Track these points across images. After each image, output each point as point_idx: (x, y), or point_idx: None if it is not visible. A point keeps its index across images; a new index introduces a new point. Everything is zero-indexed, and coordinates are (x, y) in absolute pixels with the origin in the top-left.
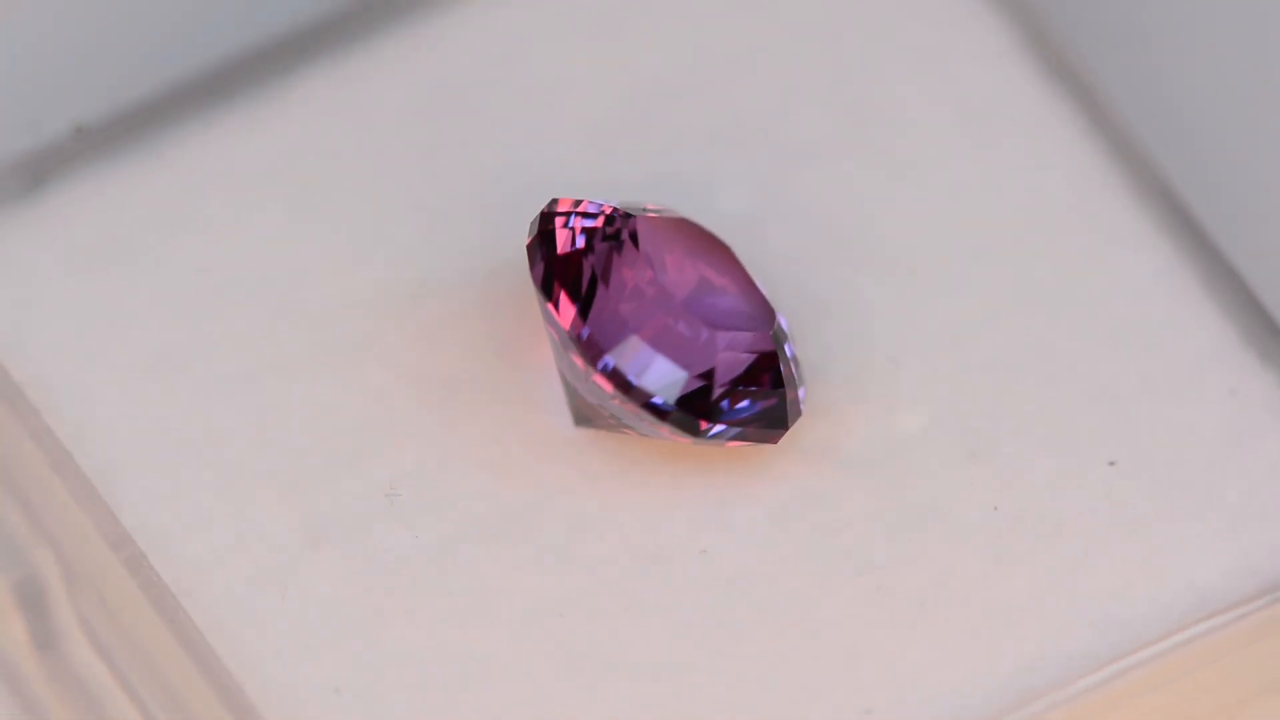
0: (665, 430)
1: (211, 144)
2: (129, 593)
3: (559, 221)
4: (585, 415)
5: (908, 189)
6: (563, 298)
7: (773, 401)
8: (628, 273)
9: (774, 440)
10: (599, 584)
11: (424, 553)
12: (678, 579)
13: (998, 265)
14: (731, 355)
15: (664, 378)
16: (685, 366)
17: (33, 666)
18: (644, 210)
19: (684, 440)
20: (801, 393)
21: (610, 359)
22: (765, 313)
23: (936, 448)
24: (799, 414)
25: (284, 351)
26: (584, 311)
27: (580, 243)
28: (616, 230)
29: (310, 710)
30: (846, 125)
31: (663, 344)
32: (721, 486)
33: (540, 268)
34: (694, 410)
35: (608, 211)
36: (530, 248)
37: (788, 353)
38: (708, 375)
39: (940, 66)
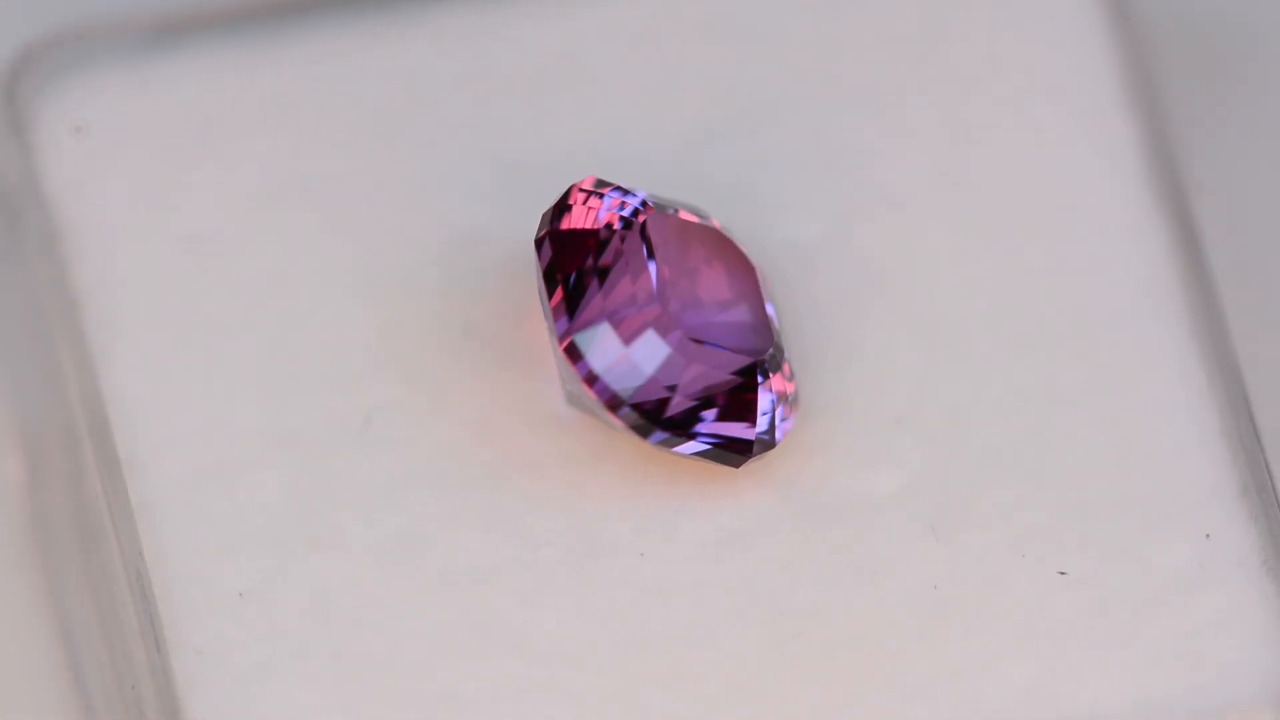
0: (621, 427)
1: (309, 55)
2: (80, 455)
3: (578, 198)
4: (575, 395)
5: (980, 258)
6: (558, 273)
7: (739, 427)
8: (628, 263)
9: (734, 465)
10: (527, 559)
11: (375, 489)
12: (605, 574)
13: (1035, 355)
14: (705, 371)
15: (625, 376)
16: (651, 369)
17: None
18: (675, 210)
19: (641, 442)
20: (787, 425)
21: (580, 342)
22: (762, 339)
23: (901, 515)
24: (770, 446)
25: (310, 265)
26: (574, 292)
27: (589, 222)
28: (629, 220)
29: (205, 606)
30: (935, 182)
31: (637, 342)
32: (684, 496)
33: (546, 240)
34: (651, 417)
35: (632, 202)
36: (543, 218)
37: (774, 383)
38: (673, 386)
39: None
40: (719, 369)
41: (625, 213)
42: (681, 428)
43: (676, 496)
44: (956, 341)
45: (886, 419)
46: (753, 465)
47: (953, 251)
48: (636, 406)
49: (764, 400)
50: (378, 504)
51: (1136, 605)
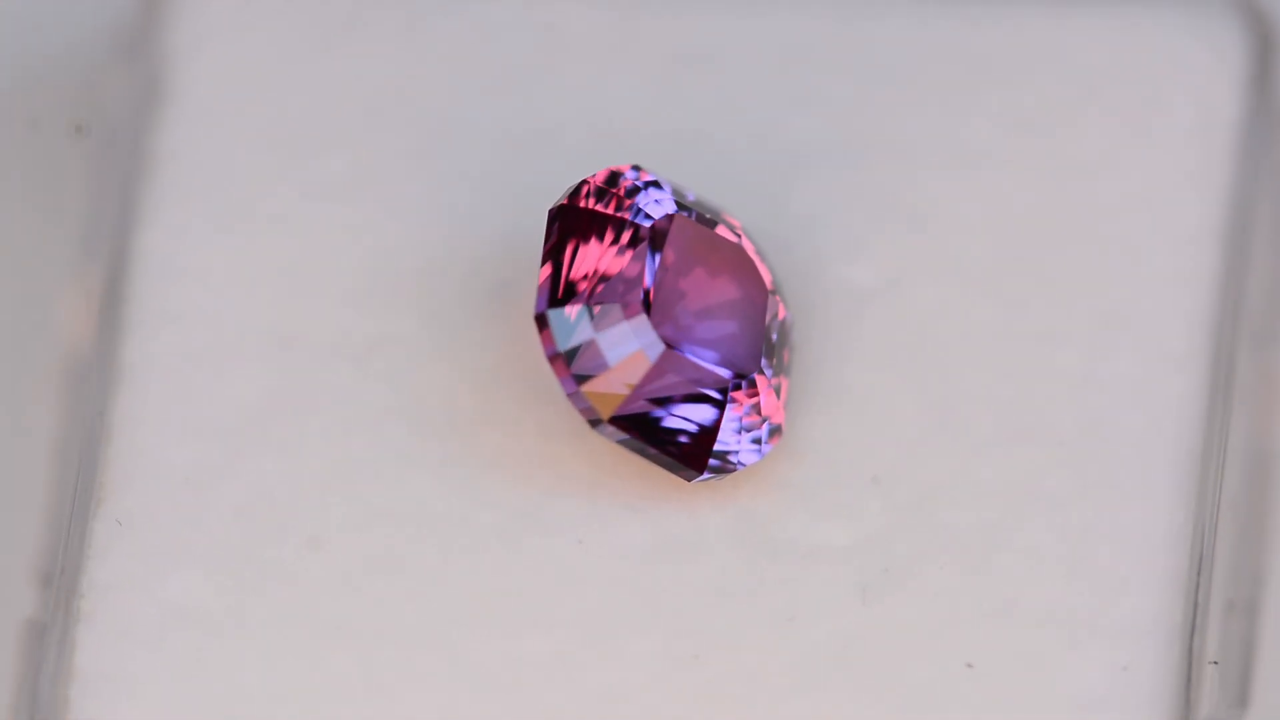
0: (573, 403)
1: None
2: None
3: (607, 178)
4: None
5: (1013, 346)
6: (558, 242)
7: (695, 441)
8: (628, 256)
9: (686, 477)
10: (468, 516)
11: (349, 412)
12: (535, 548)
13: (1028, 453)
14: (671, 378)
15: (588, 362)
16: (614, 362)
17: None
18: (707, 216)
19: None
20: (761, 451)
21: (552, 319)
22: (746, 361)
23: (839, 569)
24: (726, 468)
25: (380, 183)
26: (565, 270)
27: (609, 206)
28: (648, 214)
29: (143, 480)
30: (995, 258)
31: (609, 332)
32: (641, 496)
33: (558, 212)
34: (604, 409)
35: (660, 197)
36: (569, 190)
37: (748, 406)
38: (633, 385)
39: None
40: (685, 378)
41: (646, 204)
42: (634, 428)
43: (634, 495)
44: (960, 421)
45: (864, 475)
46: (719, 485)
47: (988, 331)
48: (593, 394)
49: (729, 422)
50: (346, 427)
51: (1029, 715)
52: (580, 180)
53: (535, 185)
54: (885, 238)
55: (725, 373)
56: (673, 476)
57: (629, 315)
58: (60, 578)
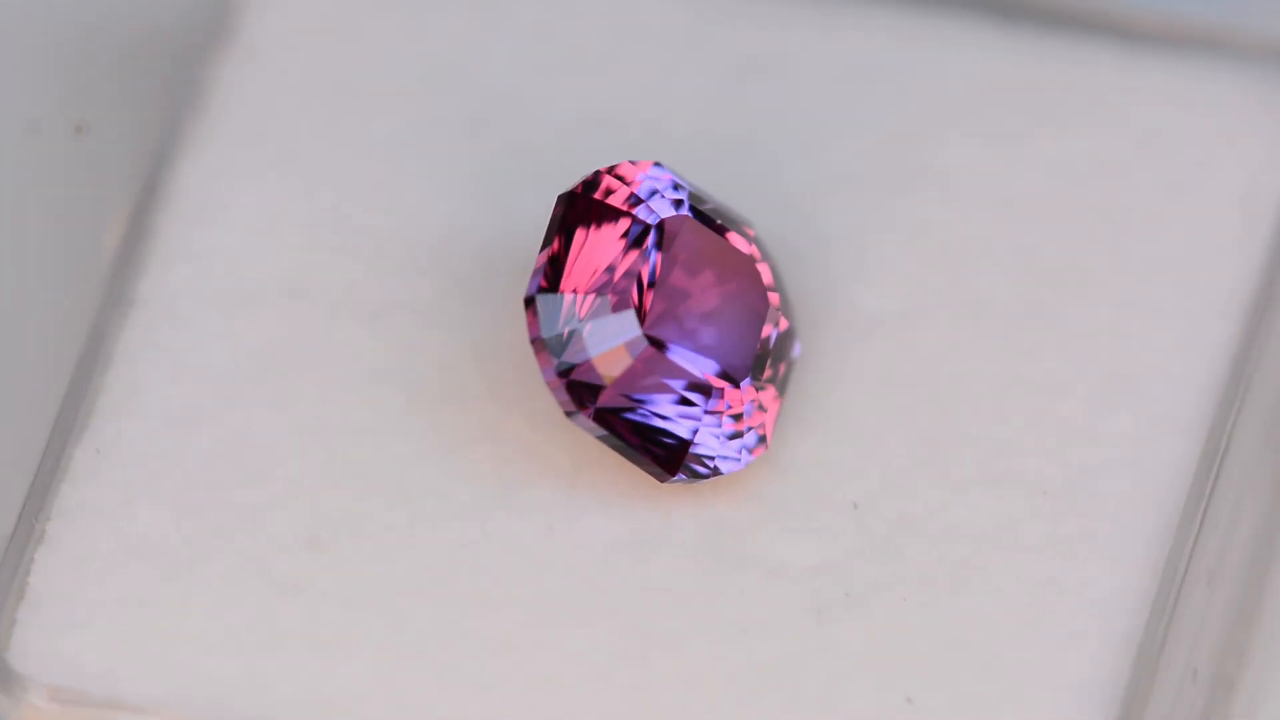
0: (551, 391)
1: None
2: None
3: (627, 172)
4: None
5: (1016, 394)
6: (562, 228)
7: (670, 444)
8: (630, 250)
9: (658, 478)
10: (443, 488)
11: (345, 368)
12: (503, 527)
13: (1010, 499)
14: (649, 376)
15: (570, 350)
16: (594, 353)
17: None
18: (720, 223)
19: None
20: (742, 460)
21: (540, 303)
22: (738, 370)
23: (799, 589)
24: (707, 476)
25: (397, 148)
26: (562, 256)
27: (619, 200)
28: (654, 210)
29: (129, 415)
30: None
31: (594, 323)
32: (619, 492)
33: (564, 199)
34: (579, 398)
35: (679, 198)
36: (584, 179)
37: (726, 415)
38: (611, 377)
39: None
40: (667, 379)
41: (657, 202)
42: (609, 423)
43: (611, 489)
44: (948, 458)
45: (843, 499)
46: (697, 489)
47: (992, 373)
48: (572, 385)
49: (708, 427)
50: (339, 386)
51: None
52: (596, 170)
53: (577, 171)
54: (908, 268)
55: (709, 378)
56: (652, 478)
57: (616, 309)
58: (30, 498)
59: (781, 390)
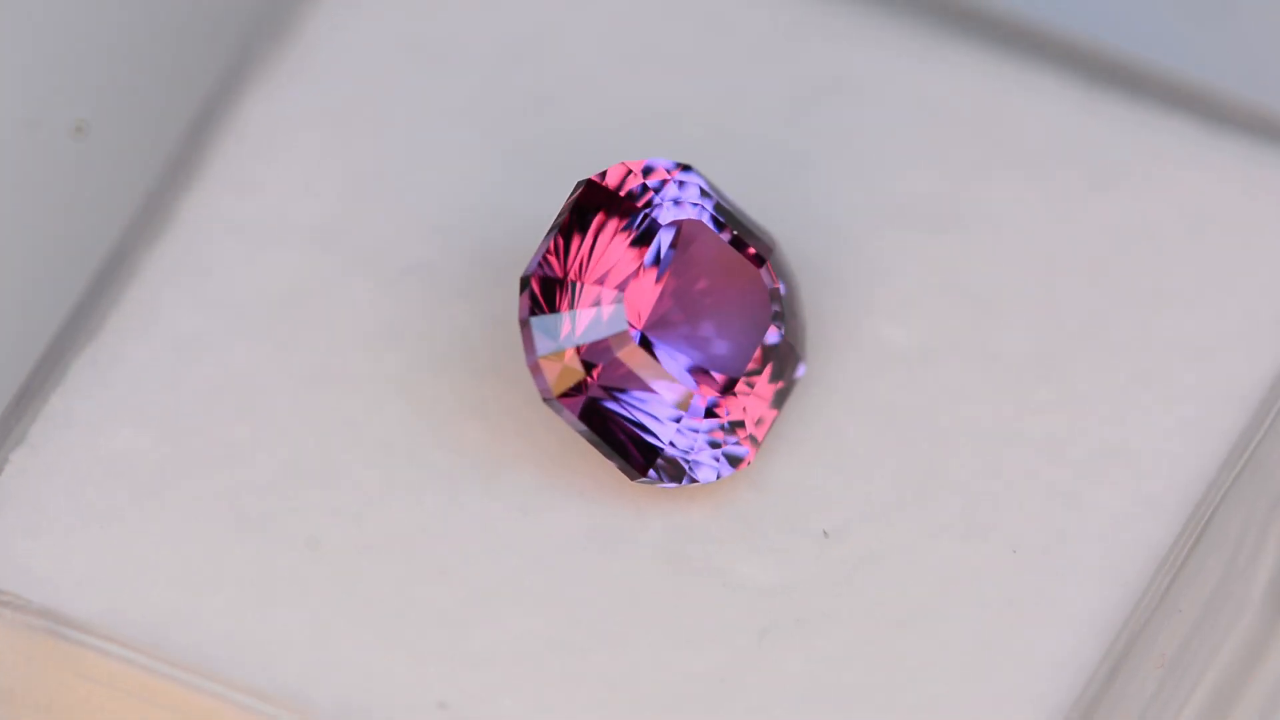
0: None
1: None
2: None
3: (640, 165)
4: None
5: (1013, 453)
6: (571, 216)
7: (642, 445)
8: (635, 246)
9: (629, 475)
10: (419, 457)
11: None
12: (468, 505)
13: (981, 554)
14: (634, 375)
15: (547, 324)
16: (577, 341)
17: None
18: (753, 243)
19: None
20: (718, 470)
21: (533, 278)
22: (725, 381)
23: (749, 608)
24: (678, 480)
25: (463, 113)
26: (565, 241)
27: (624, 192)
28: (666, 208)
29: (142, 337)
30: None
31: (583, 311)
32: (595, 483)
33: (578, 188)
34: (567, 390)
35: (699, 203)
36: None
37: (706, 422)
38: (591, 366)
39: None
40: (647, 376)
41: (672, 203)
42: (583, 414)
43: (590, 482)
44: (929, 501)
45: (816, 527)
46: (674, 494)
47: (992, 423)
48: (549, 369)
49: (684, 432)
50: (346, 340)
51: None
52: (622, 162)
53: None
54: (934, 306)
55: (695, 384)
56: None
57: (607, 301)
58: (19, 400)
59: (778, 407)
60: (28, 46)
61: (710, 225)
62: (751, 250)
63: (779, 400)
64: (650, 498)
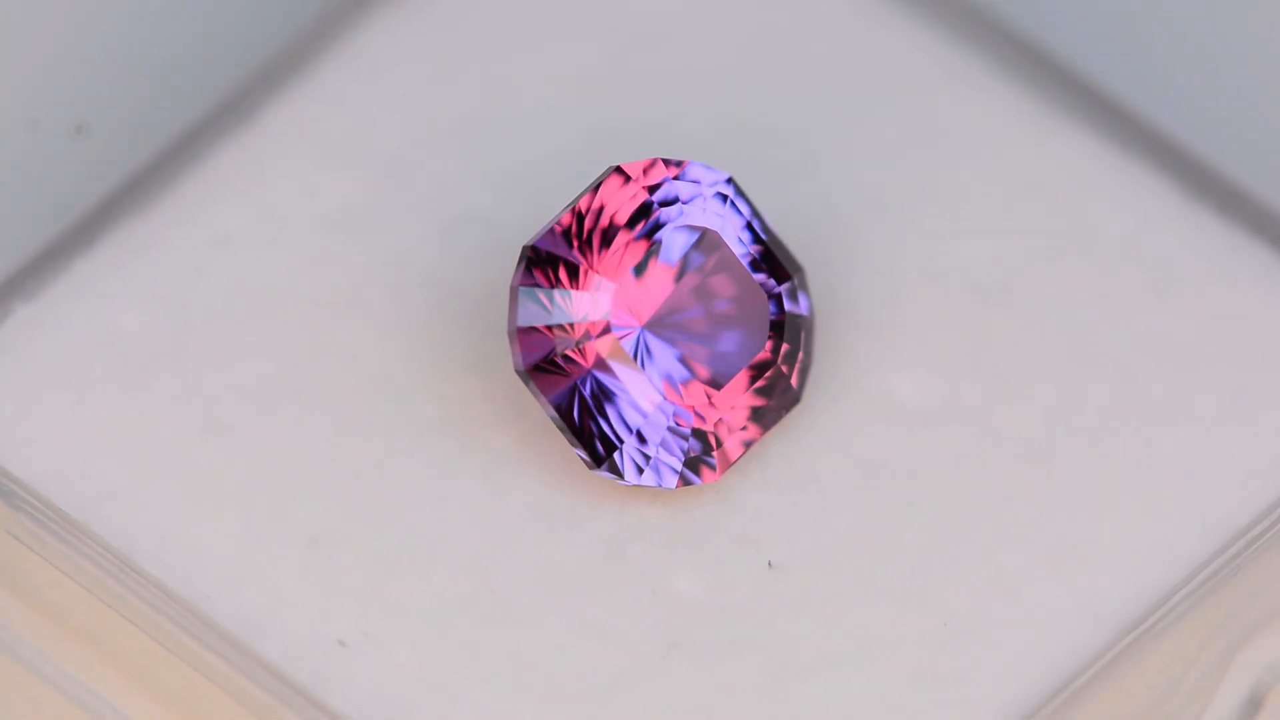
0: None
1: None
2: None
3: (675, 169)
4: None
5: (995, 526)
6: (594, 198)
7: (604, 437)
8: (643, 243)
9: (585, 463)
10: (396, 437)
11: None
12: (427, 471)
13: (920, 608)
14: (612, 372)
15: (535, 296)
16: (566, 319)
17: None
18: (769, 256)
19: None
20: (677, 476)
21: (535, 248)
22: (700, 396)
23: (670, 620)
24: (621, 476)
25: (519, 96)
26: (585, 219)
27: (648, 188)
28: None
29: (166, 246)
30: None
31: (575, 293)
32: (563, 467)
33: (609, 172)
34: (530, 353)
35: (718, 210)
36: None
37: (669, 426)
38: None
39: None
40: (620, 371)
41: (694, 208)
42: (549, 391)
43: (559, 466)
44: (879, 563)
45: (763, 557)
46: (636, 494)
47: (962, 504)
48: (530, 342)
49: (650, 435)
50: (375, 277)
51: None
52: (656, 159)
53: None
54: (951, 370)
55: (660, 386)
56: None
57: (600, 289)
58: (41, 258)
59: (763, 429)
60: (28, 46)
61: (735, 239)
62: (761, 278)
63: (765, 423)
64: (613, 491)
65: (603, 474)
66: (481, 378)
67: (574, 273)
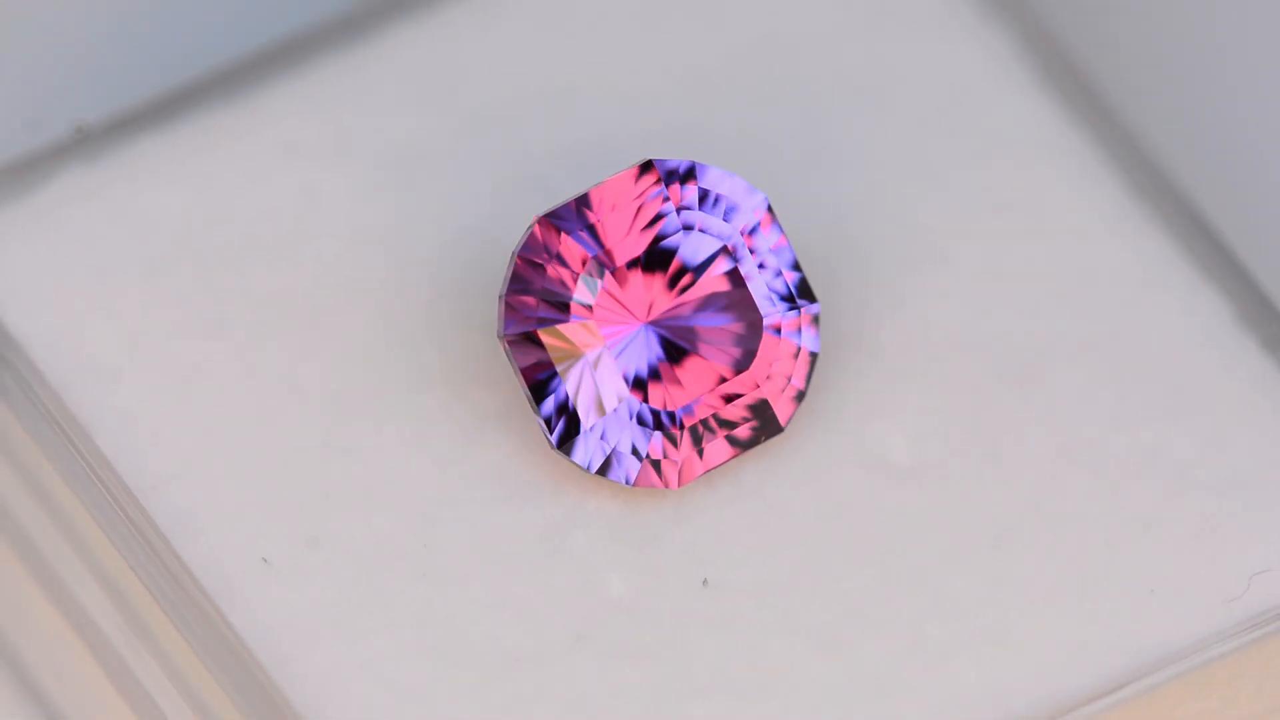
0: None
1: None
2: None
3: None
4: None
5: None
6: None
7: (566, 415)
8: (648, 234)
9: (547, 439)
10: (361, 372)
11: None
12: (394, 427)
13: (829, 671)
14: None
15: (533, 263)
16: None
17: None
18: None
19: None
20: (626, 476)
21: (546, 220)
22: (673, 400)
23: (584, 616)
24: (582, 463)
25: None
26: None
27: (671, 189)
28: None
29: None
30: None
31: (576, 275)
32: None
33: (640, 167)
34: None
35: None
36: (679, 168)
37: (632, 428)
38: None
39: None
40: (596, 358)
41: (715, 221)
42: (519, 358)
43: (528, 440)
44: (812, 605)
45: (701, 573)
46: (605, 485)
47: (907, 578)
48: (515, 308)
49: (614, 428)
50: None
51: None
52: (693, 164)
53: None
54: (949, 440)
55: (628, 387)
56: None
57: (598, 273)
58: (112, 127)
59: (739, 449)
60: (28, 47)
61: (756, 260)
62: (770, 301)
63: (741, 445)
64: (582, 479)
65: (564, 457)
66: (480, 336)
67: (577, 252)
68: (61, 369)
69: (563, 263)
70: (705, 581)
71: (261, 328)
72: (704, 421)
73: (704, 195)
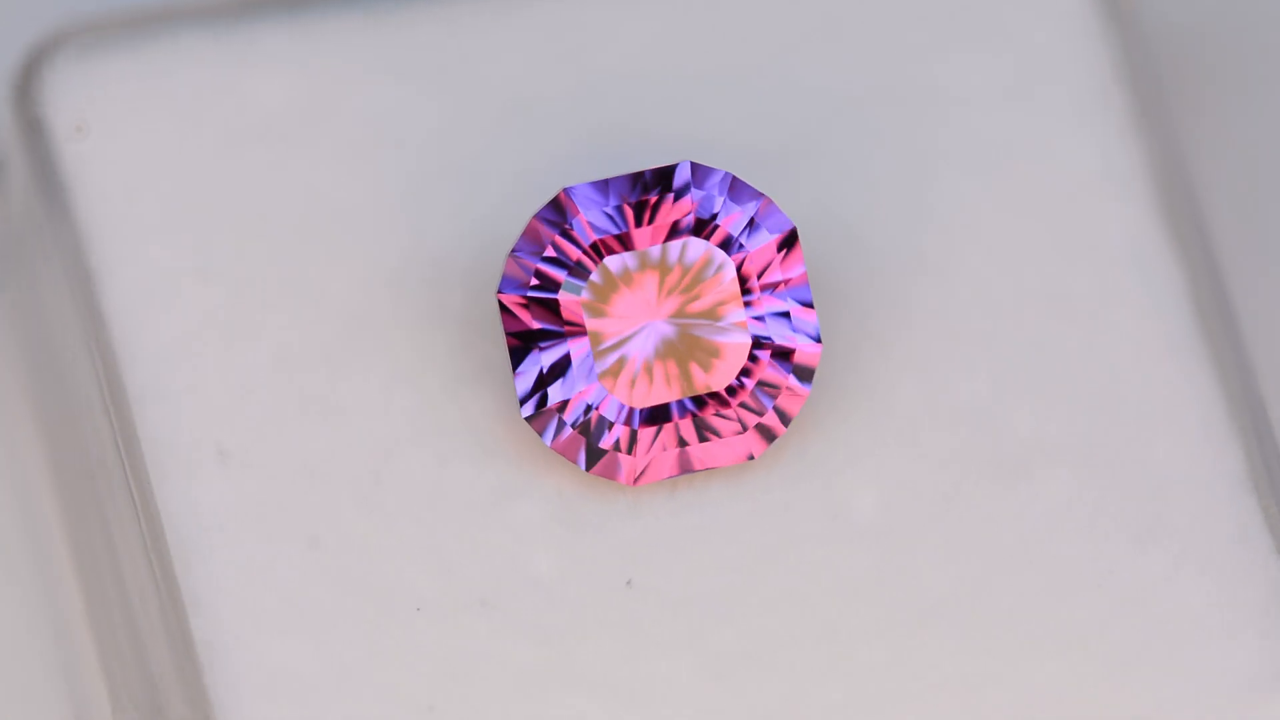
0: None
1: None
2: None
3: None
4: None
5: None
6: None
7: (539, 383)
8: (662, 230)
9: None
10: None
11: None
12: (380, 395)
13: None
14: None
15: (548, 227)
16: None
17: None
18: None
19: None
20: (583, 462)
21: (544, 211)
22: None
23: (520, 596)
24: (542, 435)
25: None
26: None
27: (687, 201)
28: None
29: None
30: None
31: (584, 253)
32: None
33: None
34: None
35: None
36: (712, 181)
37: (601, 427)
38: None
39: None
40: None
41: (734, 226)
42: (509, 322)
43: (517, 428)
44: (712, 634)
45: (627, 573)
46: (570, 469)
47: (844, 631)
48: (511, 267)
49: (559, 411)
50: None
51: None
52: (730, 174)
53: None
54: (919, 499)
55: (593, 387)
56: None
57: (607, 254)
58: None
59: (708, 464)
60: None
61: (768, 285)
62: (771, 331)
63: (710, 462)
64: (545, 454)
65: (527, 424)
66: (476, 293)
67: (593, 231)
68: (91, 214)
69: (574, 240)
70: (629, 582)
71: (250, 254)
72: (679, 429)
73: (734, 210)
